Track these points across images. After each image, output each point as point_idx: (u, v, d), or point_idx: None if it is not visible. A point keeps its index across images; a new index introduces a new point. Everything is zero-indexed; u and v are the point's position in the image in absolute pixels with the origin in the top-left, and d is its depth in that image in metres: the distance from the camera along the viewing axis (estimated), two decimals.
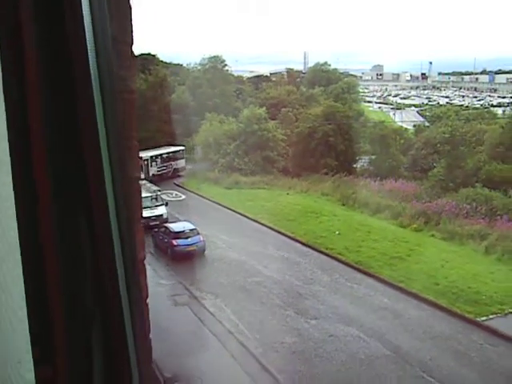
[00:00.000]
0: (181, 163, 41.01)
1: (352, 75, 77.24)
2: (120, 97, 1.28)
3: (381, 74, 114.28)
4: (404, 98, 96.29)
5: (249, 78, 66.51)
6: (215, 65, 54.49)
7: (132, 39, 1.46)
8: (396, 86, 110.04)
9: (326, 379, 14.14)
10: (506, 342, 15.81)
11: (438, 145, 37.75)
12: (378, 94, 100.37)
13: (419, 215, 27.95)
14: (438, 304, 18.32)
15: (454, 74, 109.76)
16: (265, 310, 18.24)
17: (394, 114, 74.88)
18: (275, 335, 16.49)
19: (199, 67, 55.56)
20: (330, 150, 40.46)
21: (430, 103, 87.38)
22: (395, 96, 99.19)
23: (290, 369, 14.62)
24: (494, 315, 17.58)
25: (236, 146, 41.14)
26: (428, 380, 13.96)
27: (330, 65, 66.92)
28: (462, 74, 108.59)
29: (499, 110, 65.86)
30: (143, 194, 27.00)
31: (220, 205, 32.36)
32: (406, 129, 51.28)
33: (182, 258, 22.67)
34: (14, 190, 1.07)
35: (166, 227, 24.35)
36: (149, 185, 30.58)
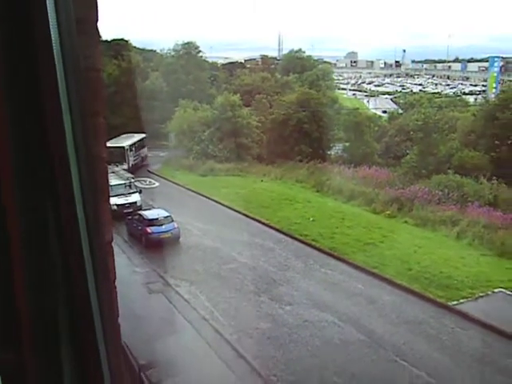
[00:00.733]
0: (144, 151, 40.66)
1: (326, 62, 77.48)
2: (84, 75, 1.22)
3: (355, 61, 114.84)
4: (378, 86, 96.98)
5: (223, 65, 66.18)
6: (189, 51, 54.02)
7: (97, 16, 1.39)
8: (370, 73, 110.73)
9: (300, 364, 14.24)
10: (476, 326, 16.11)
11: (411, 132, 38.10)
12: (353, 82, 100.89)
13: (392, 202, 28.26)
14: (410, 289, 18.58)
15: (427, 61, 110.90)
16: (239, 297, 18.28)
17: (368, 102, 75.39)
18: (250, 321, 16.54)
19: (173, 53, 55.00)
20: (304, 137, 40.57)
21: (404, 91, 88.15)
22: (369, 83, 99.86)
23: (264, 354, 14.70)
24: (465, 299, 17.89)
25: (210, 132, 40.97)
26: (401, 364, 14.17)
27: (304, 52, 66.96)
28: (435, 61, 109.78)
29: (471, 98, 66.81)
30: (117, 182, 26.79)
31: (195, 192, 32.25)
32: (379, 116, 51.71)
33: (157, 245, 22.55)
34: None
35: (139, 215, 24.16)
36: (122, 172, 30.29)
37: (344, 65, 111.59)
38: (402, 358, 14.44)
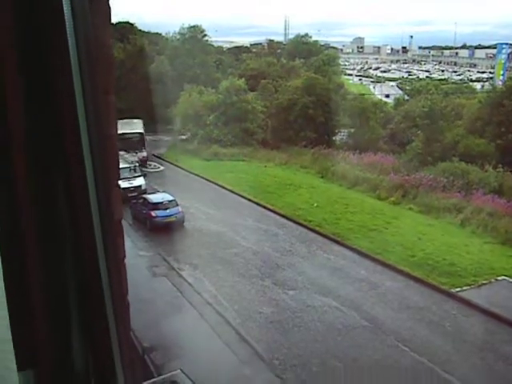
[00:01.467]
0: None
1: (333, 47, 77.03)
2: (96, 52, 1.23)
3: (361, 47, 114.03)
4: (384, 72, 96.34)
5: (229, 49, 65.82)
6: (195, 35, 53.63)
7: None
8: (376, 59, 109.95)
9: (303, 348, 14.34)
10: (479, 313, 16.16)
11: (417, 118, 37.85)
12: (359, 67, 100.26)
13: (397, 188, 28.21)
14: (413, 275, 18.63)
15: (434, 48, 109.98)
16: (243, 281, 18.37)
17: (374, 87, 74.97)
18: (253, 306, 16.64)
19: (179, 37, 54.63)
20: (309, 123, 40.41)
21: (410, 77, 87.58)
22: (375, 69, 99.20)
23: (267, 338, 14.81)
24: (468, 287, 17.93)
25: (215, 117, 40.82)
26: (403, 349, 14.26)
27: (310, 37, 66.41)
28: (442, 48, 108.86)
29: (478, 85, 66.33)
30: (121, 165, 26.78)
31: (199, 176, 32.27)
32: (385, 102, 51.39)
33: (161, 229, 22.63)
34: None
35: (144, 198, 24.19)
36: (127, 155, 30.29)
37: (350, 50, 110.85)
38: (403, 343, 14.53)
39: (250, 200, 27.39)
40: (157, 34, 58.14)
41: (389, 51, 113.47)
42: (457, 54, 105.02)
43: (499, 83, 51.86)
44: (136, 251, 20.46)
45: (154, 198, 24.04)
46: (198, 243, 21.66)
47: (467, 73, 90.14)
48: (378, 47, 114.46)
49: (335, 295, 17.26)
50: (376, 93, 67.00)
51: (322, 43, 70.36)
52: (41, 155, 1.11)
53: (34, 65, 1.10)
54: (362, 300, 16.96)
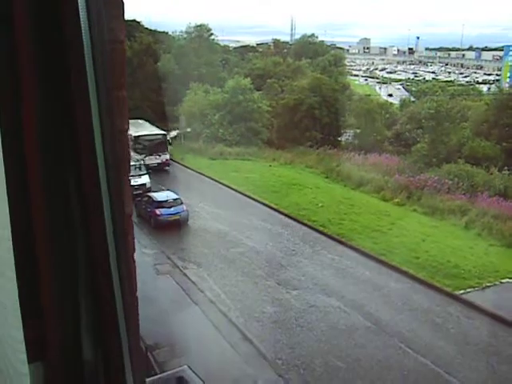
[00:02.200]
0: None
1: (339, 48, 76.89)
2: (109, 47, 1.23)
3: (368, 48, 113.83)
4: (390, 73, 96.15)
5: (235, 48, 65.78)
6: (201, 34, 53.67)
7: None
8: (383, 59, 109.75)
9: (306, 349, 14.33)
10: (483, 316, 16.12)
11: (423, 120, 37.80)
12: (365, 68, 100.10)
13: (402, 190, 28.18)
14: (417, 277, 18.58)
15: (440, 49, 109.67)
16: (247, 281, 18.37)
17: (380, 88, 74.85)
18: (257, 305, 16.64)
19: (185, 36, 54.68)
20: (315, 123, 40.43)
21: (416, 78, 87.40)
22: (382, 70, 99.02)
23: (270, 338, 14.80)
24: (472, 289, 17.88)
25: (221, 116, 40.85)
26: (406, 351, 14.23)
27: (317, 37, 66.44)
28: (448, 49, 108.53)
29: (484, 87, 66.09)
30: None
31: (204, 175, 32.29)
32: (391, 103, 51.29)
33: (165, 227, 22.65)
34: (1, 138, 1.03)
35: (149, 196, 24.23)
36: (132, 153, 30.41)
37: (357, 51, 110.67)
38: (406, 345, 14.51)
39: (254, 199, 27.39)
40: (163, 32, 58.12)
41: (395, 52, 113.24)
42: (463, 55, 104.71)
43: (506, 85, 51.75)
44: (140, 249, 20.47)
45: (158, 196, 24.07)
46: (202, 242, 21.68)
47: (474, 75, 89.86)
48: (385, 48, 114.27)
49: (339, 296, 17.24)
50: (382, 94, 66.87)
51: (329, 43, 70.36)
52: (54, 150, 1.11)
53: (49, 59, 1.10)
54: (366, 301, 16.94)
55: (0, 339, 1.06)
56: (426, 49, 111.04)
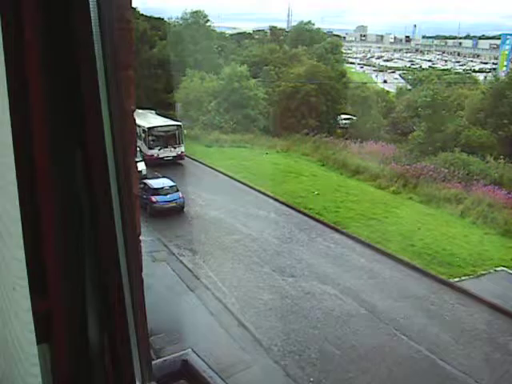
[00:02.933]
0: None
1: (336, 35, 76.56)
2: (117, 26, 1.21)
3: (364, 35, 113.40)
4: (387, 60, 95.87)
5: (231, 35, 65.34)
6: (197, 20, 53.25)
7: None
8: (379, 47, 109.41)
9: (301, 335, 14.41)
10: (477, 303, 16.24)
11: (419, 108, 37.80)
12: (361, 56, 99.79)
13: (398, 178, 28.23)
14: (413, 265, 18.68)
15: (437, 37, 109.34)
16: (242, 268, 18.41)
17: (377, 76, 74.68)
18: (252, 292, 16.69)
19: (181, 22, 54.27)
20: (311, 111, 40.35)
21: (413, 66, 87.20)
22: (378, 58, 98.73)
23: (266, 325, 14.87)
24: (467, 277, 18.00)
25: (217, 103, 40.71)
26: (401, 338, 14.33)
27: (313, 24, 65.95)
28: (445, 37, 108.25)
29: (481, 76, 66.01)
30: None
31: (200, 162, 32.24)
32: (387, 91, 51.23)
33: (161, 214, 22.62)
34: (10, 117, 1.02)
35: (145, 183, 24.14)
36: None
37: (353, 38, 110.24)
38: (401, 332, 14.60)
39: (250, 187, 27.38)
40: (159, 18, 57.68)
41: (392, 40, 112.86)
42: (460, 44, 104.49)
43: (502, 74, 51.69)
44: None
45: (154, 183, 24.00)
46: (198, 229, 21.68)
47: (470, 63, 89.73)
48: (381, 36, 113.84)
49: (334, 283, 17.31)
50: (378, 82, 66.74)
51: (325, 31, 70.00)
52: (61, 129, 1.10)
53: (56, 38, 1.08)
54: (361, 288, 17.02)
55: (9, 320, 1.06)
56: (423, 37, 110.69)
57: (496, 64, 77.49)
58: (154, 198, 22.82)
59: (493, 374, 13.22)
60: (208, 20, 54.29)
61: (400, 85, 60.07)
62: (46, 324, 1.13)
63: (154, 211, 22.76)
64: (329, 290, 16.85)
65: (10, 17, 1.02)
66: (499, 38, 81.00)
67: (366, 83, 50.46)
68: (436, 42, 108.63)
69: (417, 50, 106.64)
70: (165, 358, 1.73)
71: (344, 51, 72.89)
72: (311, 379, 12.74)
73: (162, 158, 30.07)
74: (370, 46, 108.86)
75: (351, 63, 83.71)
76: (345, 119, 43.65)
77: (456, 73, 71.21)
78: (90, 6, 1.09)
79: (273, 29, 68.67)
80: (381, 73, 78.09)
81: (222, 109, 40.44)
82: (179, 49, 49.05)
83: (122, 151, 1.18)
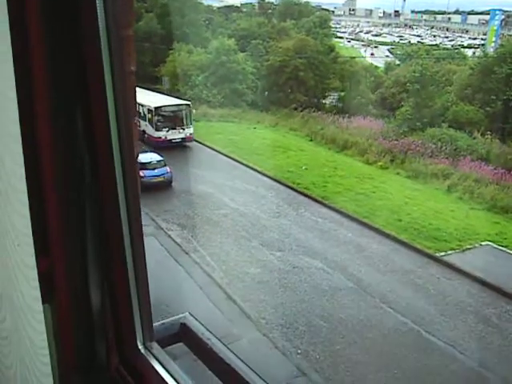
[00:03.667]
0: None
1: (324, 9, 75.75)
2: None
3: (353, 10, 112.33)
4: (376, 35, 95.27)
5: (219, 8, 64.49)
6: None
7: None
8: (368, 22, 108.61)
9: (289, 309, 14.57)
10: (462, 277, 16.49)
11: (408, 84, 37.69)
12: (350, 30, 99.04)
13: (385, 153, 28.34)
14: (399, 239, 18.87)
15: (426, 12, 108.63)
16: (231, 242, 18.48)
17: (365, 51, 74.29)
18: (241, 266, 16.80)
19: None
20: (299, 85, 40.15)
21: (402, 41, 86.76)
22: (367, 33, 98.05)
23: (254, 298, 15.01)
24: (453, 251, 18.23)
25: (204, 77, 40.33)
26: (387, 310, 14.55)
27: None
28: (434, 12, 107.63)
29: (469, 52, 65.90)
30: None
31: None
32: (376, 66, 51.02)
33: (149, 189, 22.50)
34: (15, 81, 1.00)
35: None
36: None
37: (342, 13, 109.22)
38: (388, 305, 14.82)
39: (238, 161, 27.34)
40: None
41: (381, 15, 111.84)
42: (449, 19, 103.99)
43: (491, 50, 51.61)
44: None
45: (142, 157, 23.78)
46: (185, 204, 21.66)
47: (459, 39, 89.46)
48: (370, 10, 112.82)
49: (322, 257, 17.45)
50: (367, 56, 66.42)
51: (314, 4, 69.24)
52: (63, 87, 1.09)
53: (58, 9, 1.07)
54: (349, 262, 17.19)
55: (14, 276, 1.06)
56: (412, 11, 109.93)
57: (485, 40, 77.32)
58: (141, 173, 22.67)
59: (476, 345, 13.49)
60: None
61: (389, 60, 59.85)
62: (49, 285, 1.13)
63: (142, 186, 22.31)
64: (316, 264, 17.00)
65: None
66: (488, 14, 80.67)
67: (354, 58, 50.11)
68: (425, 16, 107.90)
69: (406, 25, 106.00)
70: (163, 322, 1.75)
71: (333, 25, 72.38)
72: (299, 351, 12.92)
73: (170, 141, 28.27)
74: (359, 21, 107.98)
75: (340, 38, 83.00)
76: (333, 94, 43.51)
77: (445, 48, 71.05)
78: None
79: (261, 2, 67.81)
80: (369, 47, 77.72)
81: (209, 83, 40.08)
82: (166, 22, 48.37)
83: (123, 110, 1.17)
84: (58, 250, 1.13)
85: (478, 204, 22.61)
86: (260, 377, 1.43)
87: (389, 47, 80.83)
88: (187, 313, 1.74)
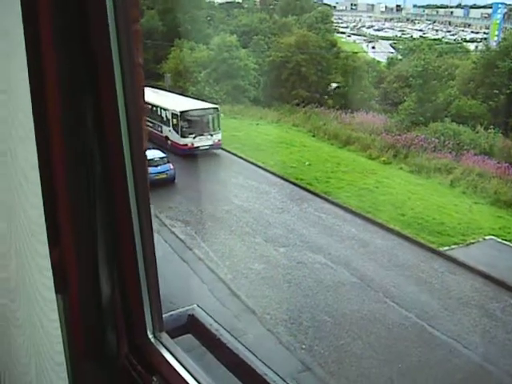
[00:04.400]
0: None
1: (326, 4, 75.47)
2: None
3: (355, 5, 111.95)
4: (378, 30, 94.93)
5: (220, 4, 64.35)
6: None
7: None
8: (370, 17, 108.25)
9: (293, 304, 14.59)
10: (466, 271, 16.48)
11: (410, 78, 37.60)
12: (352, 25, 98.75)
13: (388, 148, 28.30)
14: (403, 234, 18.86)
15: (428, 6, 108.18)
16: (234, 238, 18.50)
17: (368, 46, 74.08)
18: (244, 262, 16.82)
19: None
20: (301, 81, 40.09)
21: (404, 36, 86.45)
22: (369, 27, 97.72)
23: (258, 294, 15.03)
24: (456, 245, 18.22)
25: (207, 74, 40.29)
26: (390, 305, 14.56)
27: None
28: (437, 7, 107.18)
29: (472, 46, 65.65)
30: None
31: None
32: (378, 61, 50.91)
33: (152, 185, 22.07)
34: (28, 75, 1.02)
35: None
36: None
37: (344, 8, 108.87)
38: (391, 299, 14.83)
39: (241, 158, 27.32)
40: None
41: (383, 9, 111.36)
42: (452, 13, 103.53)
43: (493, 44, 51.39)
44: None
45: None
46: (188, 200, 21.67)
47: (461, 33, 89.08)
48: (372, 5, 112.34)
49: (325, 252, 17.46)
50: (369, 51, 66.23)
51: (315, 0, 69.06)
52: (75, 82, 1.10)
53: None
54: (352, 257, 17.19)
55: (27, 264, 1.08)
56: (414, 6, 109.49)
57: (487, 34, 76.96)
58: None
59: (480, 340, 13.50)
60: None
61: (391, 55, 59.66)
62: (61, 274, 1.15)
63: None
64: (320, 260, 17.01)
65: None
66: (491, 7, 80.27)
67: (356, 53, 49.97)
68: (427, 11, 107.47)
69: (408, 20, 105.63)
70: (171, 313, 1.77)
71: (334, 21, 72.18)
72: (303, 346, 12.95)
73: (198, 148, 26.36)
74: (361, 16, 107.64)
75: (342, 33, 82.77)
76: (335, 89, 43.41)
77: (447, 42, 70.80)
78: None
79: None
80: (371, 43, 77.46)
81: (211, 79, 40.04)
82: (168, 18, 48.33)
83: (132, 101, 1.19)
84: (69, 240, 1.15)
85: (481, 198, 22.58)
86: (268, 367, 1.45)
87: (391, 42, 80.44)
88: (195, 304, 1.77)
